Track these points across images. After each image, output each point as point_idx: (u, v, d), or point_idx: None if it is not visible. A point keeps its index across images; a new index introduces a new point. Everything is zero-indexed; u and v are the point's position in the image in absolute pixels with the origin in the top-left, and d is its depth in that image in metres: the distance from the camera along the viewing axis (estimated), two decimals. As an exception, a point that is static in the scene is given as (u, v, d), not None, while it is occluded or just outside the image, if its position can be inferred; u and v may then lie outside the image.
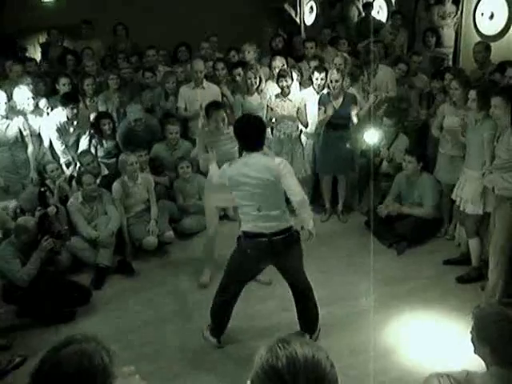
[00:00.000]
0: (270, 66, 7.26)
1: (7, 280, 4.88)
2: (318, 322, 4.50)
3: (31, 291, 4.85)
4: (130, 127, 6.75)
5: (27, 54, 9.59)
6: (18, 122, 6.31)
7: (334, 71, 6.33)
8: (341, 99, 6.37)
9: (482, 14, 7.10)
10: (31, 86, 6.68)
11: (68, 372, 1.61)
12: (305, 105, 6.57)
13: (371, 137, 5.88)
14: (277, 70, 6.88)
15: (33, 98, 6.55)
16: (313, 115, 6.60)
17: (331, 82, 6.30)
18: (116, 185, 6.10)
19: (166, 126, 6.77)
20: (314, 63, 7.05)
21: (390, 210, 6.13)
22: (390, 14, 9.50)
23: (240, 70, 7.11)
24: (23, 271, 4.84)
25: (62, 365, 1.61)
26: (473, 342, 2.64)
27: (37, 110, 6.71)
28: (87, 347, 1.66)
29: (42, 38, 9.98)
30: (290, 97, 6.52)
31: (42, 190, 6.07)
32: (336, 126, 6.37)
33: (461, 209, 5.25)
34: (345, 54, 7.08)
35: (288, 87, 6.49)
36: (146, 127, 6.82)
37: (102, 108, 7.08)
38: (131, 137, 6.71)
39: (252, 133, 4.15)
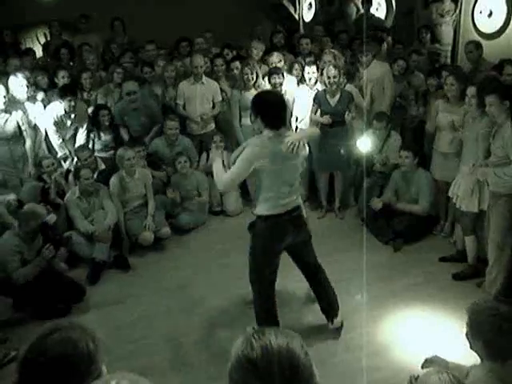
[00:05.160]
0: (266, 62, 7.26)
1: (5, 272, 4.86)
2: (338, 305, 4.53)
3: (27, 284, 4.83)
4: (124, 104, 6.80)
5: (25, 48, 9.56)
6: (16, 116, 6.29)
7: (331, 67, 6.28)
8: (337, 96, 6.36)
9: (481, 12, 7.08)
10: (27, 74, 6.67)
11: (53, 359, 1.65)
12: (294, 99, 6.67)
13: (364, 144, 5.85)
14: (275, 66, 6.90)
15: (27, 86, 6.53)
16: (307, 111, 6.60)
17: (328, 78, 6.26)
18: (114, 179, 6.11)
19: (165, 121, 6.77)
20: (309, 59, 7.05)
21: (384, 201, 6.15)
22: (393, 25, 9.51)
23: (238, 63, 7.12)
24: (20, 272, 4.83)
25: (47, 352, 1.65)
26: (467, 337, 2.67)
27: (31, 98, 6.68)
28: (72, 334, 1.70)
29: (41, 33, 9.95)
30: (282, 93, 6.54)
31: (46, 186, 6.07)
32: (332, 123, 6.34)
33: (457, 206, 5.25)
34: (333, 50, 7.03)
35: (280, 84, 6.50)
36: (144, 107, 6.86)
37: (101, 102, 7.07)
38: (126, 112, 6.80)
39: (277, 107, 3.96)
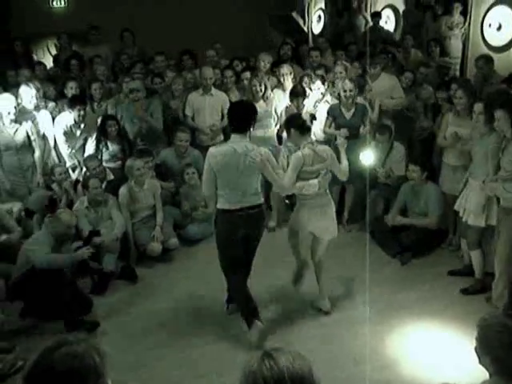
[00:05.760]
0: (274, 74, 7.28)
1: (23, 273, 4.85)
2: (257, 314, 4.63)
3: (38, 290, 4.79)
4: (129, 105, 6.91)
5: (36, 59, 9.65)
6: (26, 126, 6.34)
7: (347, 81, 6.27)
8: (353, 110, 6.34)
9: (490, 25, 7.11)
10: (37, 84, 6.73)
11: (60, 373, 1.63)
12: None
13: (367, 158, 5.82)
14: (284, 78, 6.92)
15: (36, 98, 6.59)
16: (319, 123, 6.59)
17: (345, 91, 6.24)
18: (123, 189, 6.12)
19: (175, 133, 6.78)
20: (319, 72, 7.06)
21: (394, 223, 6.12)
22: (401, 36, 9.52)
23: (248, 74, 7.15)
24: (47, 257, 4.84)
25: (54, 366, 1.64)
26: (476, 352, 2.64)
27: (38, 108, 6.72)
28: (78, 348, 1.69)
29: (51, 44, 10.05)
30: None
31: (54, 196, 6.10)
32: (348, 136, 6.31)
33: (463, 220, 5.23)
34: (345, 62, 7.05)
35: (302, 104, 6.53)
36: (148, 103, 6.95)
37: (111, 112, 7.10)
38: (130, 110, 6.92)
39: (241, 112, 4.53)
